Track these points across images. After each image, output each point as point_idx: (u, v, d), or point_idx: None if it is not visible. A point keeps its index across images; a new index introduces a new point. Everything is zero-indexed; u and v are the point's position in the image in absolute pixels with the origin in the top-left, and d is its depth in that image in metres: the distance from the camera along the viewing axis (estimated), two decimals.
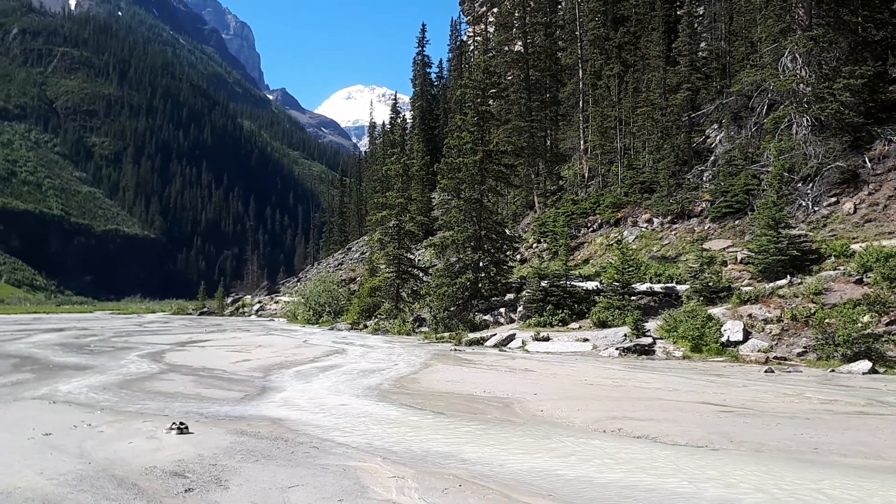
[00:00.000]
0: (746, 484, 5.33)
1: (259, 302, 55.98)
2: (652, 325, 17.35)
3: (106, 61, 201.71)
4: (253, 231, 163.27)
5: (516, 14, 41.55)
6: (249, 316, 51.34)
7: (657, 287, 19.29)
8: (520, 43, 40.78)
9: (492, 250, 25.24)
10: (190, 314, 56.35)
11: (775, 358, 13.89)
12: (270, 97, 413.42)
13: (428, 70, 65.79)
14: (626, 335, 16.85)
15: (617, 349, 15.97)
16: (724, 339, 15.00)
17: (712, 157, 26.40)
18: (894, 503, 4.94)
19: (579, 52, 36.55)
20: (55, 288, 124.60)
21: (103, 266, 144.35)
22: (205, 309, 57.31)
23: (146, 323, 39.01)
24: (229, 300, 59.53)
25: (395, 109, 68.09)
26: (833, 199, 19.73)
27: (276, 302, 53.55)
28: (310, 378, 12.26)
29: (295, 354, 17.08)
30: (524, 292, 22.42)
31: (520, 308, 22.04)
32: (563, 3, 44.61)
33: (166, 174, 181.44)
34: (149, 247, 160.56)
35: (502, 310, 23.29)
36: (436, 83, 69.82)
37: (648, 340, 16.20)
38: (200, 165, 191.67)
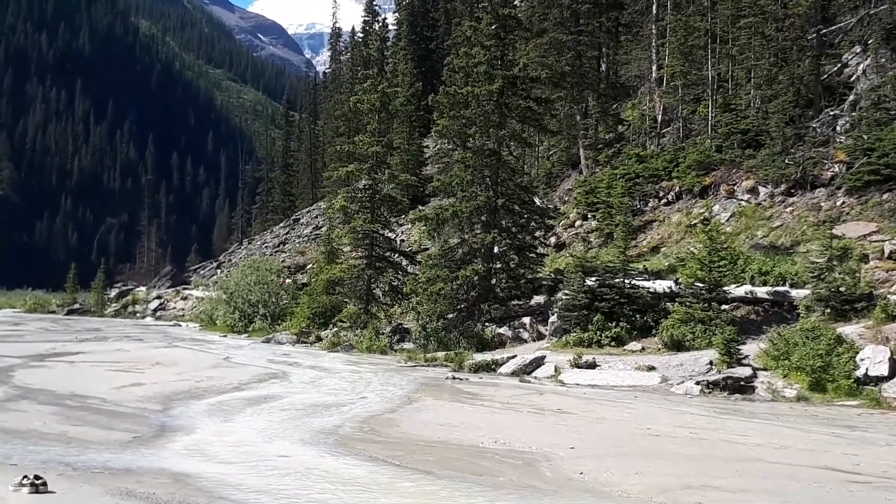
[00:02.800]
0: None
1: (158, 298, 55.98)
2: (751, 348, 17.32)
3: None
4: (151, 190, 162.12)
5: None
6: (143, 318, 51.35)
7: (761, 292, 19.23)
8: None
9: (513, 229, 25.21)
10: (54, 312, 56.25)
11: None
12: None
13: None
14: (711, 363, 16.82)
15: (697, 383, 15.96)
16: (859, 372, 14.95)
17: (851, 97, 26.21)
18: None
19: None
20: None
21: None
22: (76, 305, 57.20)
23: None
24: (113, 293, 59.47)
25: (372, 9, 67.83)
26: None
27: (185, 298, 53.53)
28: (233, 414, 12.26)
29: (211, 378, 17.07)
30: (560, 294, 22.40)
31: (553, 318, 22.03)
32: None
33: (20, 99, 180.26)
34: None
35: (526, 320, 23.27)
36: None
37: (745, 372, 16.20)
38: (73, 87, 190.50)
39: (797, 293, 18.56)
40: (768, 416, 13.27)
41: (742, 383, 15.88)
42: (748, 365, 16.61)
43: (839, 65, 28.53)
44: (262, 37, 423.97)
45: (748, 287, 19.51)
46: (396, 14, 67.46)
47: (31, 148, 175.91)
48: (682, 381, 16.35)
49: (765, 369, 16.43)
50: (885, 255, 18.85)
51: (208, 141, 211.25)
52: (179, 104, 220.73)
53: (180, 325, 43.72)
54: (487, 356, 20.78)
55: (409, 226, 41.00)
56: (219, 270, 61.31)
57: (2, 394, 13.72)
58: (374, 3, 67.92)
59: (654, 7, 35.85)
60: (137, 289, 61.37)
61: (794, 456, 9.84)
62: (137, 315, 52.74)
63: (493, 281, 24.79)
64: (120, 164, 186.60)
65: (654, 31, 35.39)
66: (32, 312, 56.37)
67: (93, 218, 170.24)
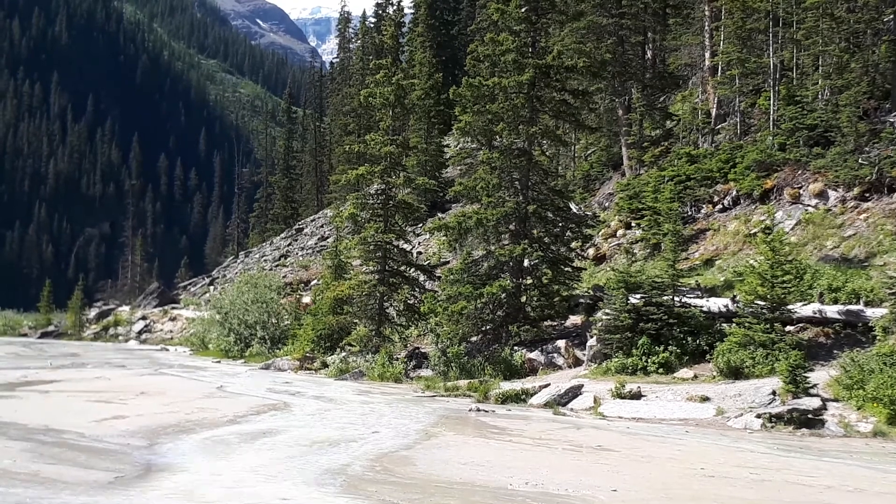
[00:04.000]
0: None
1: (144, 318, 56.33)
2: (820, 376, 17.19)
3: None
4: (136, 196, 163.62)
5: None
6: (126, 341, 51.71)
7: (831, 311, 19.10)
8: None
9: (546, 239, 25.22)
10: (25, 335, 56.76)
11: None
12: None
13: None
14: (774, 393, 16.71)
15: (758, 416, 15.86)
16: None
17: None
18: None
19: None
20: None
21: None
22: (51, 327, 57.71)
23: None
24: (93, 314, 59.90)
25: None
26: None
27: (174, 319, 53.86)
28: (229, 451, 12.30)
29: (203, 409, 17.15)
30: (599, 314, 22.36)
31: (591, 341, 21.99)
32: None
33: None
34: None
35: (561, 343, 23.25)
36: None
37: (814, 403, 16.07)
38: (48, 80, 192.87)
39: (873, 312, 18.40)
40: (840, 454, 13.15)
41: (809, 416, 15.75)
42: (816, 395, 16.48)
43: None
44: (261, 23, 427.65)
45: (816, 305, 19.37)
46: None
47: (1, 149, 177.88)
48: (741, 414, 16.24)
49: (836, 400, 16.31)
50: None
51: (200, 141, 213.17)
52: (168, 99, 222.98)
53: (168, 350, 43.94)
54: (516, 385, 20.74)
55: (428, 236, 41.22)
56: (212, 287, 61.77)
57: None
58: None
59: None
60: (120, 308, 61.76)
61: (871, 500, 9.77)
62: (120, 338, 53.08)
63: (523, 299, 24.77)
64: (101, 168, 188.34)
65: (707, 12, 35.34)
66: (1, 336, 56.77)
67: (70, 228, 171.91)
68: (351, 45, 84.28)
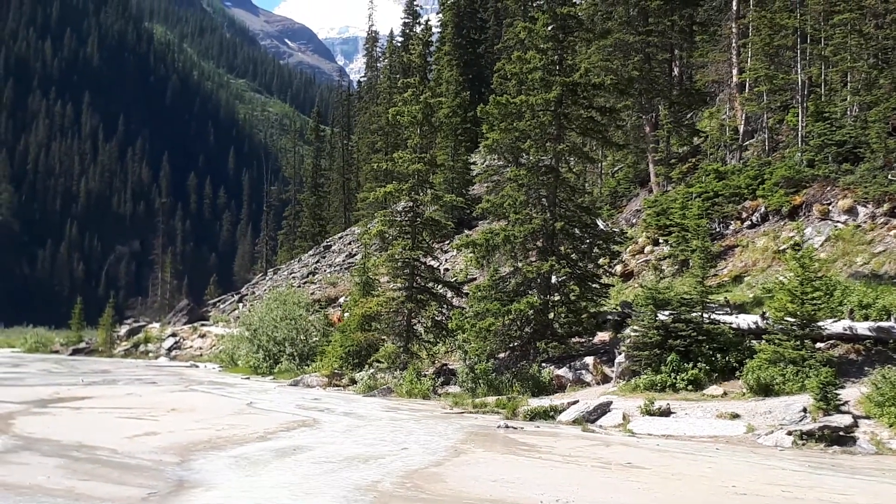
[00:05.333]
0: None
1: (174, 335, 56.66)
2: (851, 392, 17.07)
3: None
4: (166, 214, 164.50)
5: None
6: (156, 358, 52.02)
7: (862, 327, 18.92)
8: None
9: (573, 256, 25.18)
10: (57, 352, 57.27)
11: None
12: None
13: None
14: (805, 410, 16.58)
15: (789, 433, 15.74)
16: None
17: None
18: None
19: None
20: None
21: None
22: (82, 344, 58.20)
23: None
24: (123, 331, 60.35)
25: (413, 10, 68.62)
26: None
27: (203, 336, 54.17)
28: (258, 467, 12.35)
29: (233, 426, 17.23)
30: (628, 331, 22.25)
31: (619, 357, 21.90)
32: None
33: (21, 115, 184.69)
34: None
35: (589, 360, 23.17)
36: None
37: (845, 420, 15.94)
38: (80, 101, 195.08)
39: None
40: (872, 472, 13.04)
41: (841, 434, 15.63)
42: (847, 412, 16.35)
43: None
44: (289, 42, 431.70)
45: (847, 322, 19.20)
46: (440, 15, 68.30)
47: (34, 169, 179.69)
48: (772, 431, 16.13)
49: (867, 417, 16.18)
50: None
51: (229, 159, 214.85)
52: (197, 119, 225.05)
53: (198, 367, 44.21)
54: (545, 401, 20.69)
55: (455, 253, 41.22)
56: (241, 304, 61.97)
57: (1, 444, 13.98)
58: (416, 3, 68.68)
59: (734, 2, 35.74)
60: (150, 325, 62.14)
61: None
62: (150, 355, 53.41)
63: (551, 315, 24.73)
64: (131, 186, 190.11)
65: (734, 29, 35.27)
66: (33, 352, 57.36)
67: (101, 246, 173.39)
68: (378, 64, 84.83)
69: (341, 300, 43.21)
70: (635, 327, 21.65)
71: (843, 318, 19.42)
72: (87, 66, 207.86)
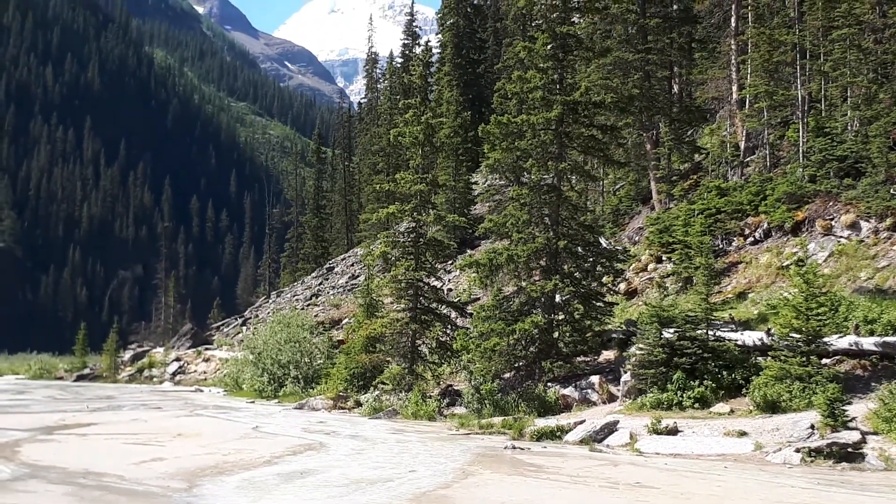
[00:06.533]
0: None
1: (178, 360, 56.56)
2: (859, 408, 17.01)
3: None
4: (169, 238, 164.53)
5: None
6: (161, 382, 51.93)
7: (868, 342, 18.89)
8: None
9: (577, 274, 25.17)
10: (61, 378, 57.15)
11: None
12: (201, 10, 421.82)
13: None
14: (813, 426, 16.52)
15: (797, 450, 15.68)
16: None
17: None
18: None
19: None
20: None
21: None
22: (86, 370, 58.05)
23: None
24: (127, 356, 60.24)
25: (412, 32, 68.97)
26: None
27: (207, 360, 54.06)
28: (266, 492, 12.32)
29: (239, 451, 17.19)
30: (633, 349, 22.23)
31: (625, 376, 21.85)
32: None
33: (23, 140, 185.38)
34: None
35: (594, 379, 23.12)
36: None
37: (853, 437, 15.87)
38: (81, 126, 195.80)
39: None
40: (882, 489, 12.99)
41: (849, 450, 15.56)
42: (855, 428, 16.30)
43: None
44: (289, 65, 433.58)
45: (852, 338, 19.19)
46: (439, 36, 68.47)
47: (36, 194, 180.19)
48: (780, 449, 16.07)
49: (875, 433, 16.13)
50: None
51: (231, 182, 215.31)
52: (199, 142, 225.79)
53: (202, 391, 44.14)
54: (551, 421, 20.64)
55: (458, 273, 41.20)
56: (244, 327, 61.89)
57: (8, 472, 13.94)
58: (415, 24, 69.02)
59: (732, 19, 35.90)
60: (154, 350, 62.09)
61: None
62: (154, 380, 53.33)
63: (556, 334, 24.69)
64: (133, 211, 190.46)
65: (733, 46, 35.40)
66: (38, 379, 57.31)
67: (104, 271, 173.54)
68: (378, 86, 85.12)
69: (345, 322, 43.18)
70: (640, 345, 21.64)
71: (849, 334, 19.43)
72: (88, 91, 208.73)
